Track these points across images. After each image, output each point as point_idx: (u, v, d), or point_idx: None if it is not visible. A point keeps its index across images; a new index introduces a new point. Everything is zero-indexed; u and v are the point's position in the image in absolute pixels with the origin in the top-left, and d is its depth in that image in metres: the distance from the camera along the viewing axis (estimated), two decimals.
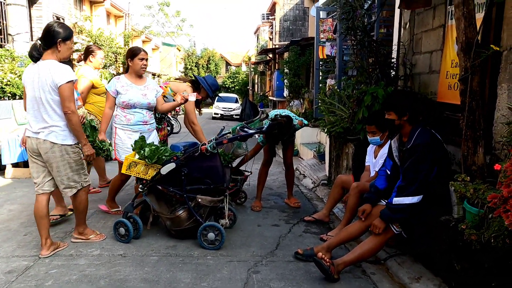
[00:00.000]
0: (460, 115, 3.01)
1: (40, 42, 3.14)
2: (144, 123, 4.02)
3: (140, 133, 3.95)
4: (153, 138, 4.12)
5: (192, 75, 4.62)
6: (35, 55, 3.12)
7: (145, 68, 4.06)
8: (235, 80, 35.82)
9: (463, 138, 2.91)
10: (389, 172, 3.21)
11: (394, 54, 4.83)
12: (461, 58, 2.89)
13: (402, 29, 4.78)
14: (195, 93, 4.13)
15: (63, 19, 12.24)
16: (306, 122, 4.73)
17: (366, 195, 3.34)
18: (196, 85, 4.52)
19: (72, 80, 3.09)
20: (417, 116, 2.93)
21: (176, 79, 4.79)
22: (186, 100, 3.96)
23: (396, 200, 2.84)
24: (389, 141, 3.67)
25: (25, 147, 3.30)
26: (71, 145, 3.20)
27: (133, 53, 4.00)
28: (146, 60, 4.05)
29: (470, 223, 2.43)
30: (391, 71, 4.69)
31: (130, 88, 3.96)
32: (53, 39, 3.08)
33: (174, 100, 4.13)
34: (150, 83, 4.13)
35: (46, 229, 3.28)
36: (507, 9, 2.99)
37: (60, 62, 3.15)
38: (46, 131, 3.11)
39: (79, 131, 3.19)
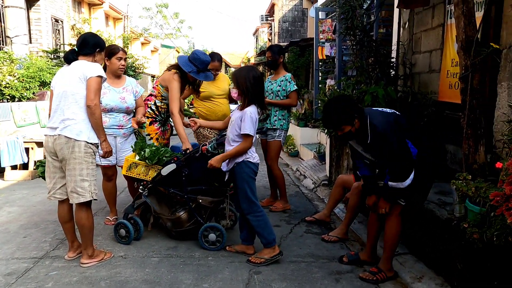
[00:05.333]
0: (460, 114, 3.01)
1: (76, 50, 3.20)
2: (120, 127, 3.86)
3: (114, 136, 3.83)
4: (129, 143, 3.91)
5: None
6: (71, 57, 3.17)
7: (123, 69, 3.88)
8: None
9: (464, 137, 2.90)
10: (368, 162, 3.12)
11: (393, 54, 4.83)
12: (461, 56, 2.88)
13: (401, 29, 4.78)
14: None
15: (61, 21, 12.23)
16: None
17: (365, 187, 3.27)
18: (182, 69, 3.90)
19: (102, 77, 3.08)
20: (361, 112, 2.85)
21: (165, 70, 4.21)
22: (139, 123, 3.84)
23: (392, 184, 2.81)
24: None
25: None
26: (85, 142, 3.05)
27: (110, 51, 3.76)
28: (125, 60, 3.85)
29: (472, 222, 2.42)
30: (391, 70, 4.69)
31: (108, 91, 3.77)
32: (92, 48, 3.18)
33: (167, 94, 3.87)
34: (129, 84, 3.94)
35: (71, 233, 3.26)
36: (506, 8, 3.00)
37: None
38: (61, 125, 3.02)
39: (100, 126, 3.11)
